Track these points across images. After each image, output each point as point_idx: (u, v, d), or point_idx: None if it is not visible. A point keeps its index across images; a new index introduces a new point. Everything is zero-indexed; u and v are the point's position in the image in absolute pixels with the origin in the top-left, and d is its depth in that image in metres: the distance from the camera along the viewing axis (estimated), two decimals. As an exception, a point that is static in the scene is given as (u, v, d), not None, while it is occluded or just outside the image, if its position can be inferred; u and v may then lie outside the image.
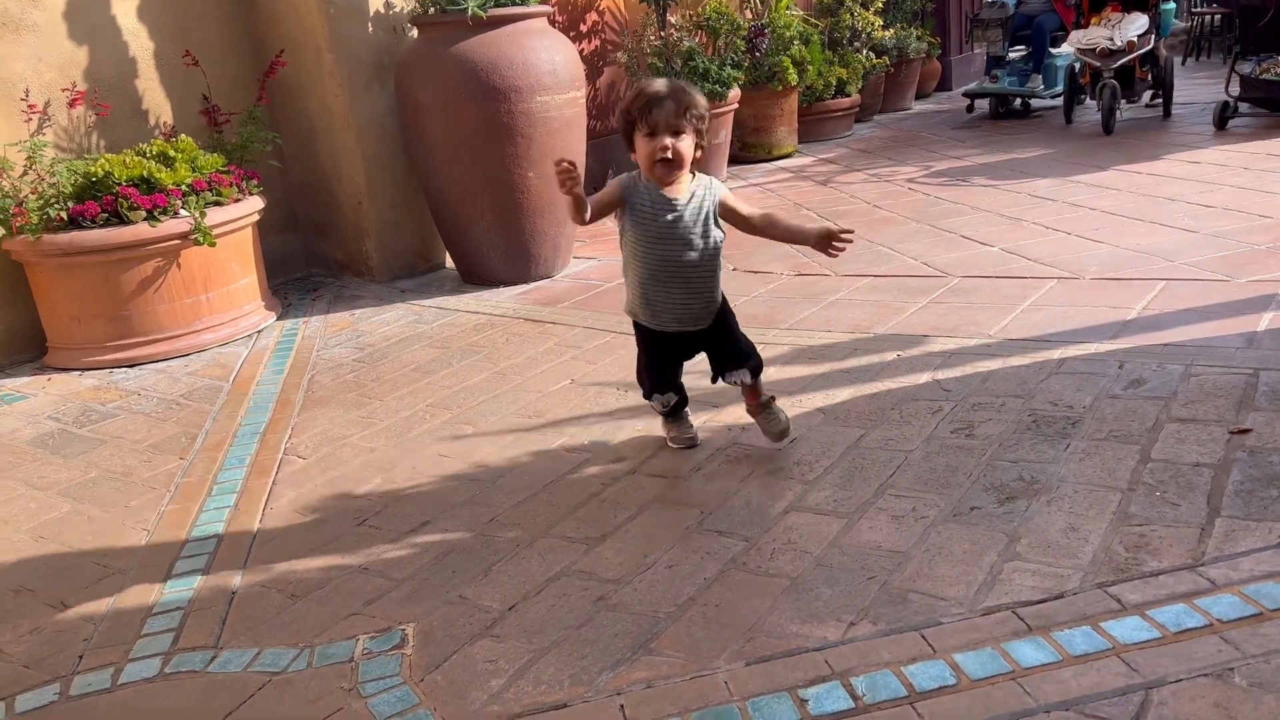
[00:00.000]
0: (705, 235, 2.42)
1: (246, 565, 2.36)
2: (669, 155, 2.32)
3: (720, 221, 2.46)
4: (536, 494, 2.55)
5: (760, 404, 2.64)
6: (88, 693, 1.94)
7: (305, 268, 5.09)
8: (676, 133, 2.32)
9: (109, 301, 3.82)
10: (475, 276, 4.63)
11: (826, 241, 2.36)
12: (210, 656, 2.01)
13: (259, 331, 4.21)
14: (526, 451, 2.81)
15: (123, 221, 3.76)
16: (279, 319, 4.37)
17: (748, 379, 2.58)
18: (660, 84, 2.34)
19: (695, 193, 2.42)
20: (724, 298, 2.55)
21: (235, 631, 2.09)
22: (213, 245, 3.90)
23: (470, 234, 4.52)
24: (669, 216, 2.40)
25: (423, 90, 4.34)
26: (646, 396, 2.66)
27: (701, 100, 2.36)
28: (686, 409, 2.74)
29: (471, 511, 2.50)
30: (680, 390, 2.67)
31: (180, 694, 1.90)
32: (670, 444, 2.71)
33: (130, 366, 3.88)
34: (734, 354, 2.58)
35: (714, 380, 2.64)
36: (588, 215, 2.39)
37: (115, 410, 3.48)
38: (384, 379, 3.53)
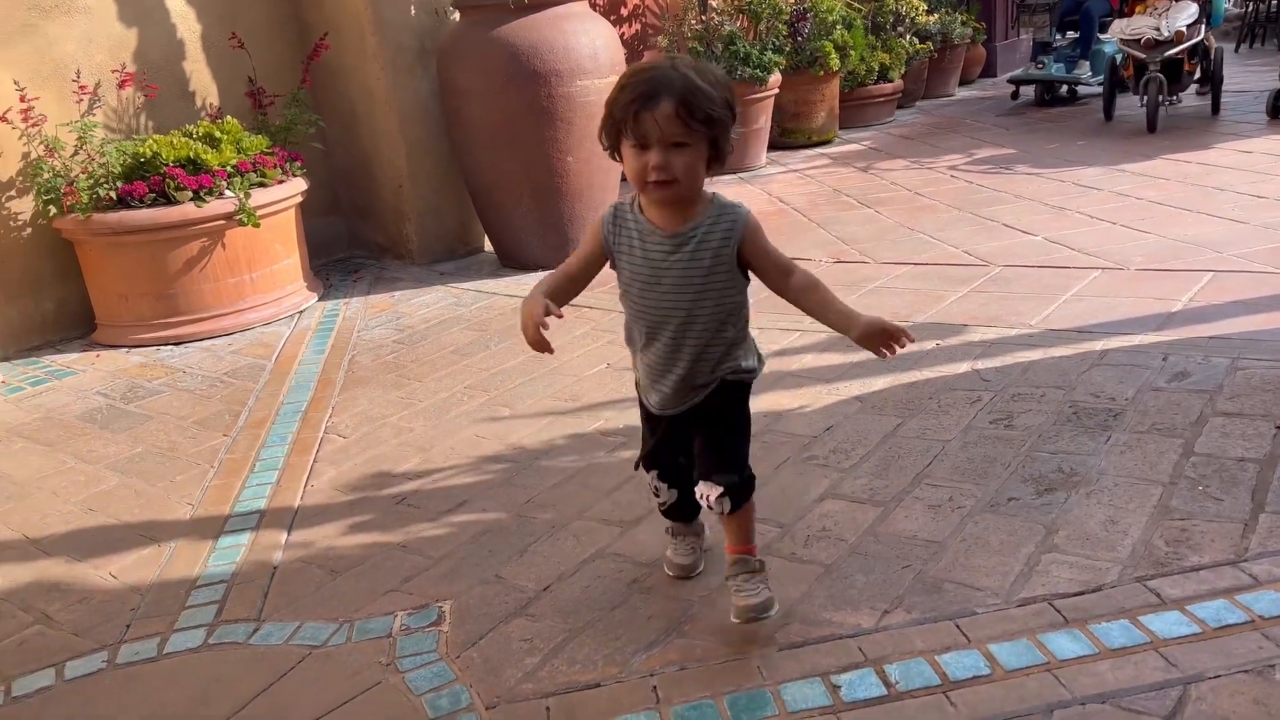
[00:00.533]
0: (712, 286, 1.71)
1: (288, 541, 2.40)
2: (661, 177, 1.62)
3: (743, 269, 1.74)
4: (572, 477, 2.57)
5: (737, 558, 1.85)
6: (134, 661, 1.99)
7: (346, 250, 5.14)
8: (677, 144, 1.61)
9: (156, 280, 3.89)
10: (514, 260, 4.65)
11: (878, 339, 1.70)
12: (252, 629, 2.05)
13: (301, 312, 4.27)
14: (563, 434, 2.83)
15: (170, 202, 3.82)
16: (320, 300, 4.42)
17: (725, 505, 1.78)
18: (659, 70, 1.61)
19: (705, 225, 1.70)
20: (744, 382, 1.83)
21: (276, 605, 2.13)
22: (257, 226, 3.95)
23: (509, 218, 4.54)
24: (661, 254, 1.72)
25: (463, 74, 4.36)
26: (636, 466, 2.01)
27: (717, 93, 1.62)
28: (698, 521, 2.06)
29: (508, 492, 2.52)
30: (680, 485, 1.95)
31: (224, 665, 1.94)
32: (665, 567, 2.07)
33: (176, 344, 3.96)
34: (716, 459, 1.81)
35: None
36: (562, 307, 1.76)
37: (161, 387, 3.55)
38: (423, 360, 3.57)
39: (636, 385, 1.90)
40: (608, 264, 1.81)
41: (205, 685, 1.88)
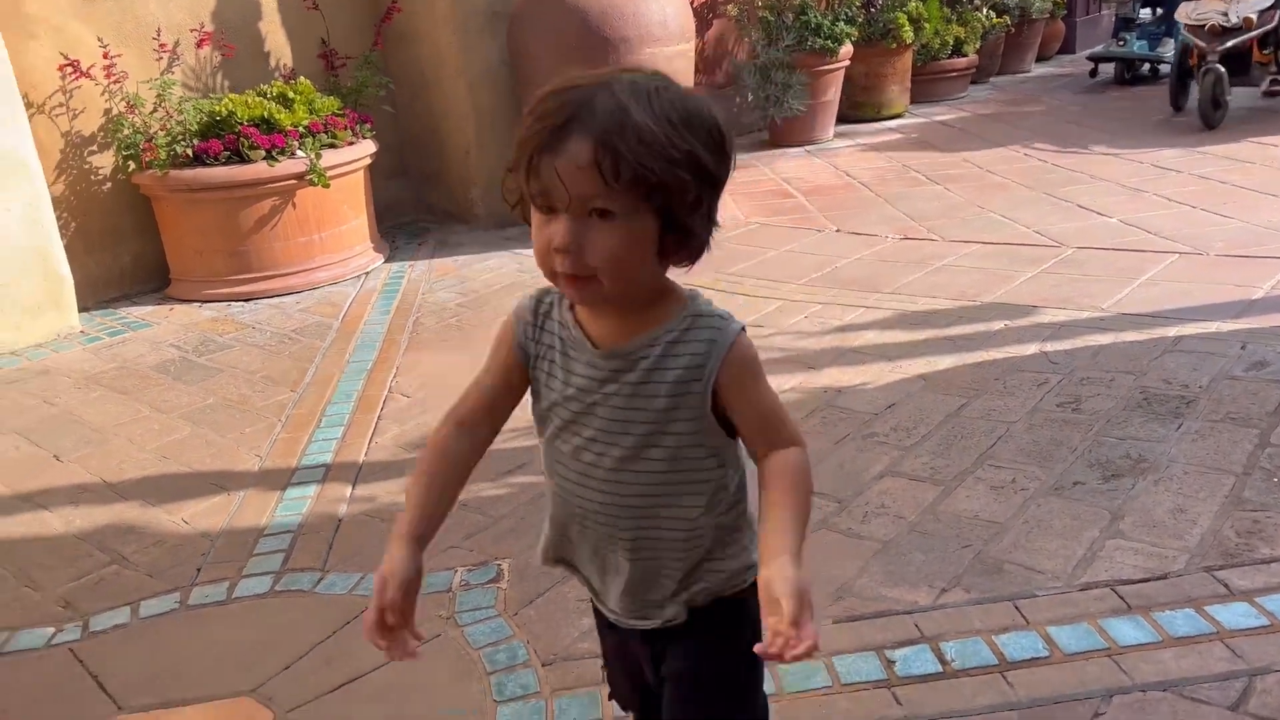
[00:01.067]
0: (668, 432, 1.08)
1: (352, 495, 2.46)
2: (568, 268, 1.00)
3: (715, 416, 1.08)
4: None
5: None
6: (205, 604, 2.06)
7: (412, 213, 5.20)
8: (600, 212, 0.97)
9: (229, 237, 3.98)
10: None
11: (771, 609, 0.96)
12: (318, 578, 2.11)
13: (367, 273, 4.33)
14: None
15: (243, 160, 3.90)
16: (386, 262, 4.48)
17: None
18: (586, 89, 0.97)
19: (664, 343, 1.06)
20: (743, 599, 1.11)
21: (341, 556, 2.19)
22: (327, 186, 4.01)
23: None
24: (589, 382, 1.09)
25: (534, 40, 4.36)
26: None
27: (671, 137, 0.96)
28: None
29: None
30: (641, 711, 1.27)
31: (290, 610, 2.00)
32: None
33: (246, 300, 4.05)
34: None
35: None
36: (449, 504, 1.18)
37: (232, 342, 3.64)
38: (487, 324, 3.61)
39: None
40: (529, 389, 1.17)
41: (272, 630, 1.94)
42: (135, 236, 4.19)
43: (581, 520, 1.13)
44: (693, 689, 1.14)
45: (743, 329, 1.08)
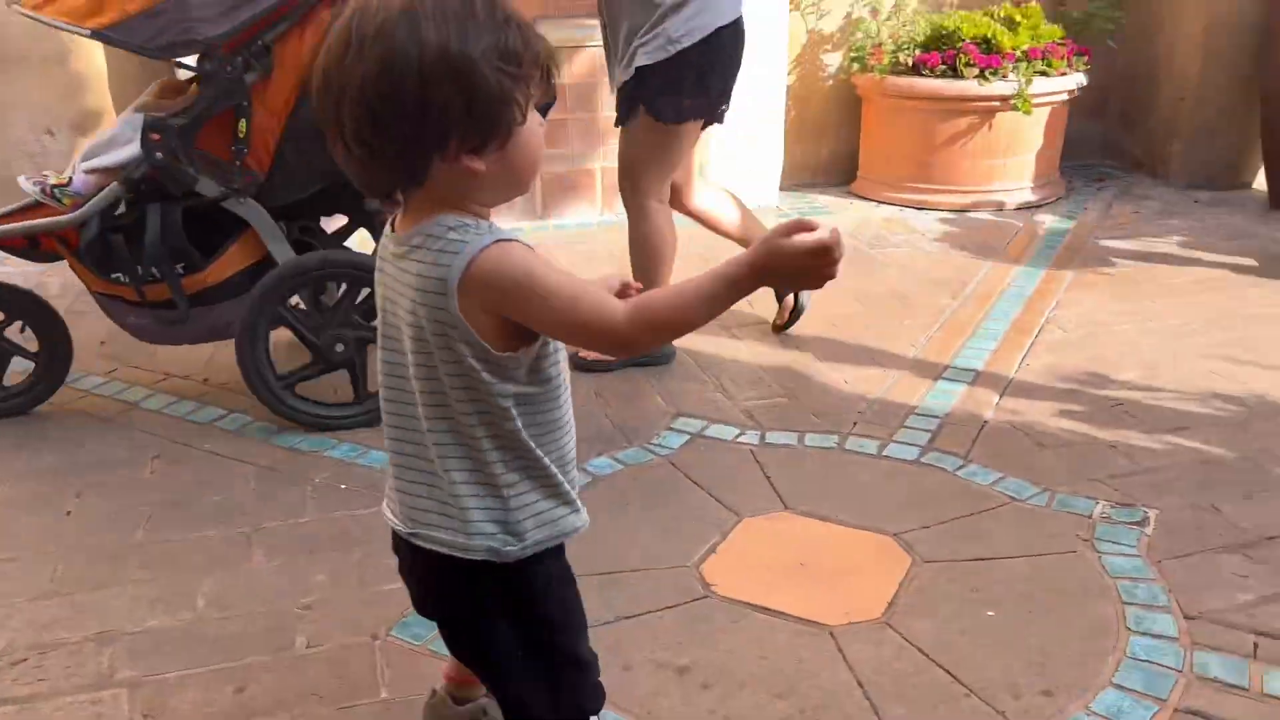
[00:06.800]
0: (426, 351, 1.04)
1: (998, 404, 2.55)
2: None
3: (474, 341, 1.02)
4: (1324, 443, 2.29)
5: None
6: (858, 451, 2.33)
7: (1098, 156, 4.96)
8: None
9: (921, 146, 4.20)
10: (1289, 203, 4.08)
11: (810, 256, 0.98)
12: (959, 464, 2.25)
13: (1040, 205, 4.29)
14: (1319, 398, 2.52)
15: (956, 76, 4.05)
16: (1060, 200, 4.38)
17: None
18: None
19: (417, 243, 1.03)
20: (474, 567, 1.09)
21: (982, 453, 2.30)
22: (1028, 114, 4.02)
23: (1306, 155, 3.97)
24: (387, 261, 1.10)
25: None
26: (594, 705, 1.25)
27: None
28: None
29: (1239, 435, 2.35)
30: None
31: (931, 482, 2.18)
32: None
33: (920, 209, 4.27)
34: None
35: None
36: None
37: (902, 243, 3.89)
38: (1158, 281, 3.39)
39: None
40: None
41: (915, 493, 2.14)
42: (837, 133, 4.62)
43: (572, 419, 1.15)
44: (461, 632, 1.21)
45: (494, 242, 1.02)
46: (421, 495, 1.10)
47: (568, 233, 4.04)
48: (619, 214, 4.24)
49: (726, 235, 2.94)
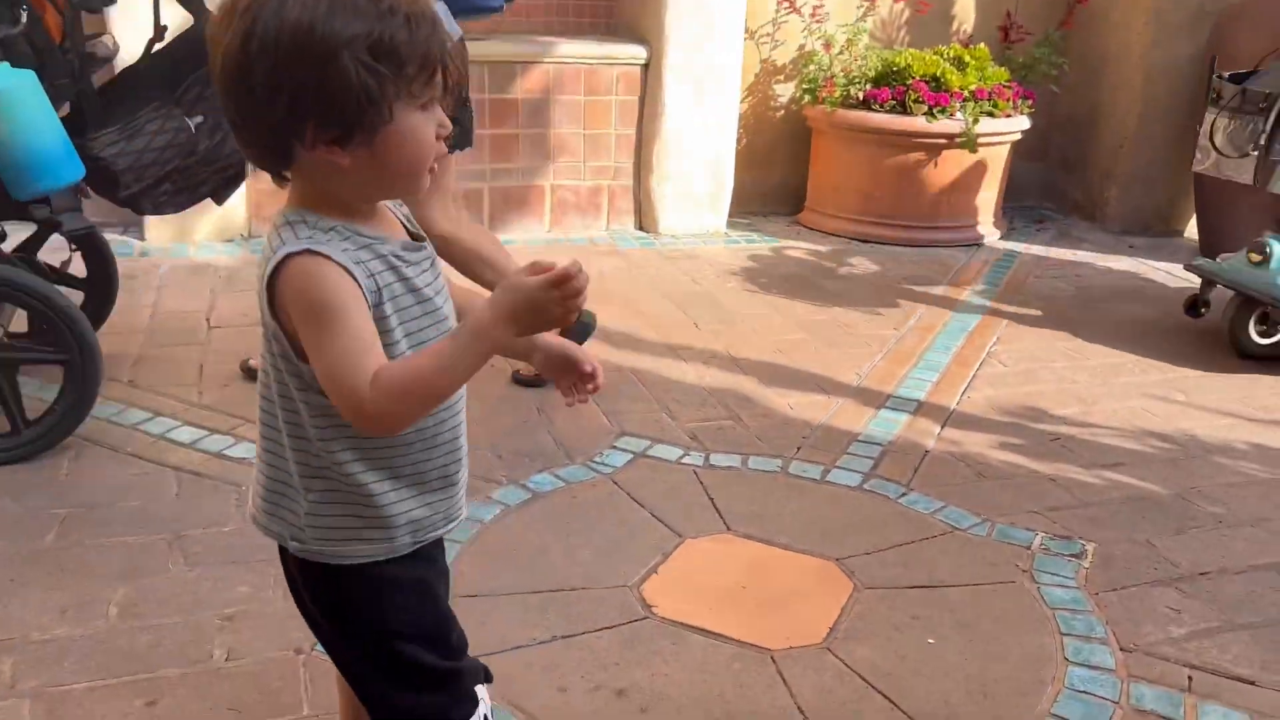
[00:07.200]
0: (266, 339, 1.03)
1: (940, 434, 2.56)
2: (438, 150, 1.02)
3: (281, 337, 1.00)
4: (1252, 483, 2.35)
5: None
6: (802, 476, 2.31)
7: (1036, 199, 5.08)
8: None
9: (868, 180, 4.26)
10: (1217, 251, 4.21)
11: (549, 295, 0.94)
12: (901, 492, 2.25)
13: (979, 245, 4.36)
14: (1247, 440, 2.58)
15: (905, 112, 4.11)
16: (1001, 239, 4.47)
17: None
18: None
19: (271, 228, 1.02)
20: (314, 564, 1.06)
21: (924, 482, 2.31)
22: (974, 152, 4.10)
23: (1235, 205, 4.10)
24: (423, 277, 1.06)
25: (1246, 38, 3.96)
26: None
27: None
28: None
29: (1171, 472, 2.39)
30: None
31: (873, 508, 2.17)
32: None
33: (863, 241, 4.31)
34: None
35: None
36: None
37: (846, 273, 3.92)
38: (1097, 323, 3.45)
39: None
40: None
41: (857, 519, 2.13)
42: (785, 163, 4.66)
43: (451, 435, 1.07)
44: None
45: (295, 255, 0.95)
46: (260, 479, 1.07)
47: (514, 248, 3.99)
48: (568, 232, 4.26)
49: (475, 278, 2.56)
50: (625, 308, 3.37)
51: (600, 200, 4.29)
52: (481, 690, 1.14)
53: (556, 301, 0.91)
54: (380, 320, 0.97)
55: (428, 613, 1.10)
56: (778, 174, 4.70)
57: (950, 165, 4.20)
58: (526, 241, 4.10)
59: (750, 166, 4.57)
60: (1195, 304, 3.32)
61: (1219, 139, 3.28)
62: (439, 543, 1.13)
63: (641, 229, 4.34)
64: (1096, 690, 1.61)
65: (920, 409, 2.72)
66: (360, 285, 0.95)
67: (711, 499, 2.18)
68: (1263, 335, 3.16)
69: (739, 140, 4.41)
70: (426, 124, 0.96)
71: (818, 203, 4.51)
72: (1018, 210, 4.97)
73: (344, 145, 0.93)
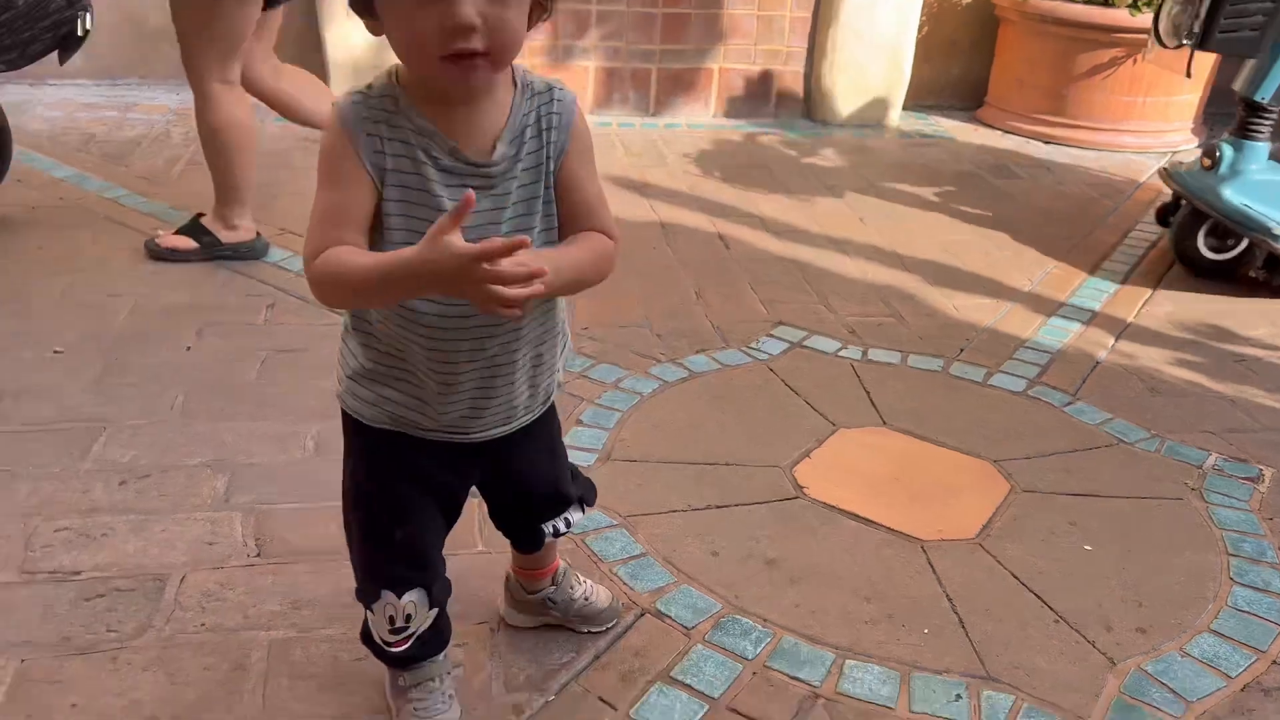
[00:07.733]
0: (534, 227, 1.05)
1: (1114, 346, 2.47)
2: (476, 42, 0.92)
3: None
4: None
5: (565, 568, 1.45)
6: (962, 377, 2.28)
7: (1244, 105, 4.67)
8: None
9: (1057, 75, 4.01)
10: None
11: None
12: (1067, 400, 2.19)
13: (1175, 152, 4.07)
14: None
15: (1106, 3, 3.82)
16: (1198, 146, 4.15)
17: (578, 514, 1.36)
18: None
19: (520, 131, 1.02)
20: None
21: (1092, 392, 2.24)
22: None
23: None
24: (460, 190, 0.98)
25: None
26: (364, 597, 1.22)
27: None
28: (444, 655, 1.28)
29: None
30: (438, 586, 1.22)
31: (1037, 415, 2.13)
32: None
33: (1046, 142, 4.09)
34: (570, 472, 1.34)
35: (523, 540, 1.37)
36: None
37: (1025, 175, 3.74)
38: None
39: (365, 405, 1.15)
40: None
41: (1018, 424, 2.09)
42: (968, 55, 4.43)
43: (470, 354, 1.06)
44: (552, 457, 1.28)
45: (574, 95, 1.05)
46: None
47: (677, 133, 3.98)
48: (734, 118, 4.20)
49: (305, 122, 2.76)
50: (789, 198, 3.33)
51: (769, 85, 4.20)
52: (413, 595, 1.17)
53: (471, 281, 0.87)
54: (383, 203, 0.97)
55: (377, 502, 1.17)
56: (958, 66, 4.47)
57: (1151, 65, 3.89)
58: (689, 125, 4.08)
59: (930, 57, 4.37)
60: (1164, 212, 3.00)
61: (1163, 24, 2.84)
62: (459, 470, 1.19)
63: (809, 117, 4.24)
64: (1261, 611, 1.56)
65: (1094, 319, 2.61)
66: (360, 153, 0.95)
67: (868, 392, 2.18)
68: (1213, 250, 2.83)
69: (920, 28, 4.21)
70: (421, 9, 0.89)
71: (999, 98, 4.29)
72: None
73: (370, 15, 0.94)
